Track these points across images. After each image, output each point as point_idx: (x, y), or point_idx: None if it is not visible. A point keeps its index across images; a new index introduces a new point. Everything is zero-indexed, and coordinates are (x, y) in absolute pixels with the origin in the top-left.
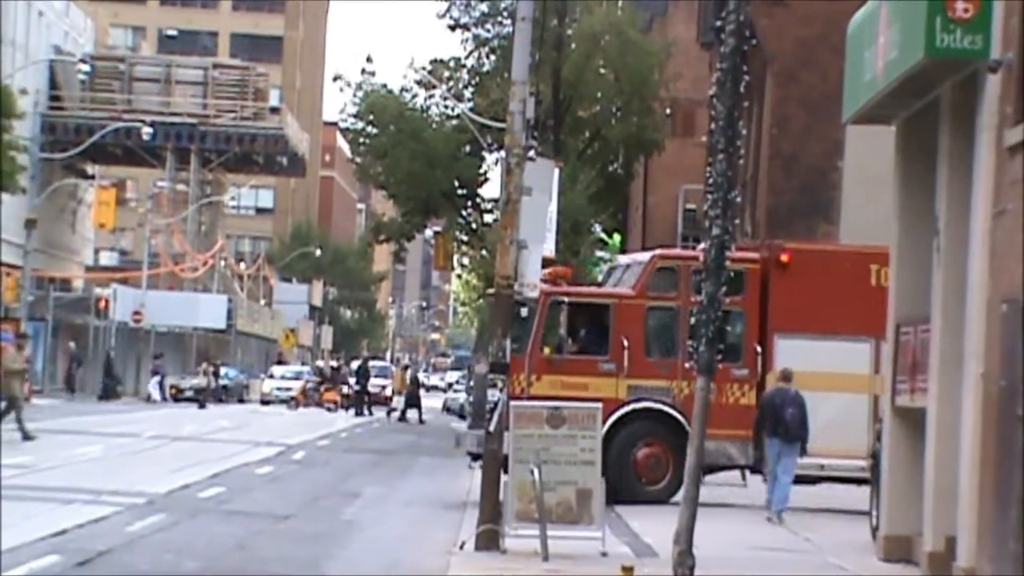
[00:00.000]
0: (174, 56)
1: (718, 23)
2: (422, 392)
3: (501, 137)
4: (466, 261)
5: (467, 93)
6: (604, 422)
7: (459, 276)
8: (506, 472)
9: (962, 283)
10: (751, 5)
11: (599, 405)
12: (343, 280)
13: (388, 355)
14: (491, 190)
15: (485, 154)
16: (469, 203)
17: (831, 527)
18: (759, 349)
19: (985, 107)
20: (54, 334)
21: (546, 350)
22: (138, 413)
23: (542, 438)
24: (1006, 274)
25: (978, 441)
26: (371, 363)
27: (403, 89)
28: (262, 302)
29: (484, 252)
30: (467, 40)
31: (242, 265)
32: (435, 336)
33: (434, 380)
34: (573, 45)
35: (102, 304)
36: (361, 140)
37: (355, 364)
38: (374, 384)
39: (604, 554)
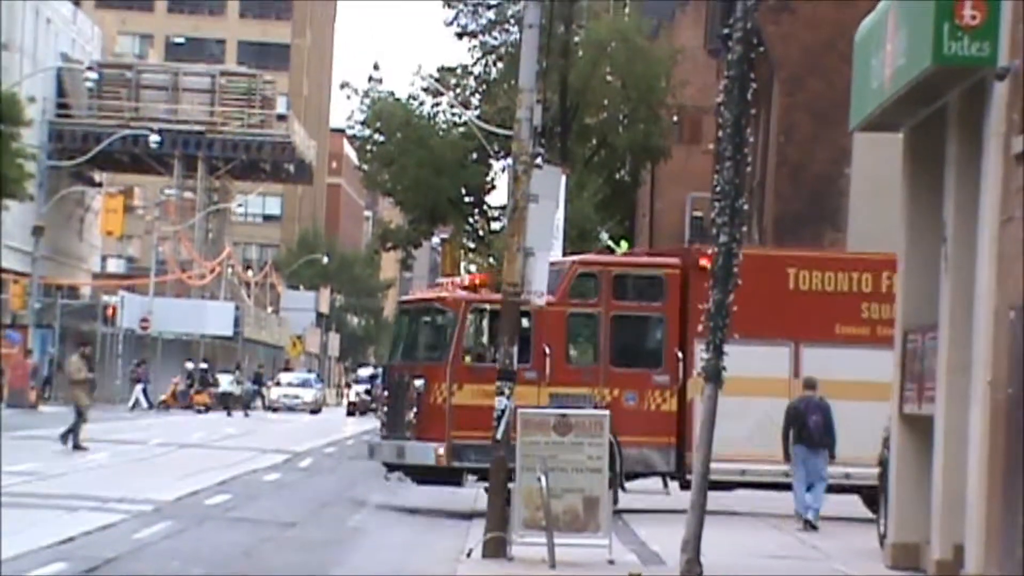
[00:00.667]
0: (181, 64)
1: (725, 30)
2: None
3: (508, 144)
4: (473, 268)
5: (474, 100)
6: None
7: None
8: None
9: (970, 290)
10: (758, 12)
11: (607, 412)
12: (350, 287)
13: None
14: (498, 197)
15: (492, 161)
16: (476, 210)
17: (839, 535)
18: (680, 355)
19: (992, 114)
20: (61, 341)
21: (467, 359)
22: (144, 420)
23: (549, 445)
24: (1013, 281)
25: (986, 448)
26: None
27: (410, 96)
28: (269, 309)
29: (491, 259)
30: (474, 47)
31: (249, 272)
32: None
33: None
34: (580, 52)
35: (109, 311)
36: (368, 147)
37: (364, 371)
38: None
39: (611, 562)
